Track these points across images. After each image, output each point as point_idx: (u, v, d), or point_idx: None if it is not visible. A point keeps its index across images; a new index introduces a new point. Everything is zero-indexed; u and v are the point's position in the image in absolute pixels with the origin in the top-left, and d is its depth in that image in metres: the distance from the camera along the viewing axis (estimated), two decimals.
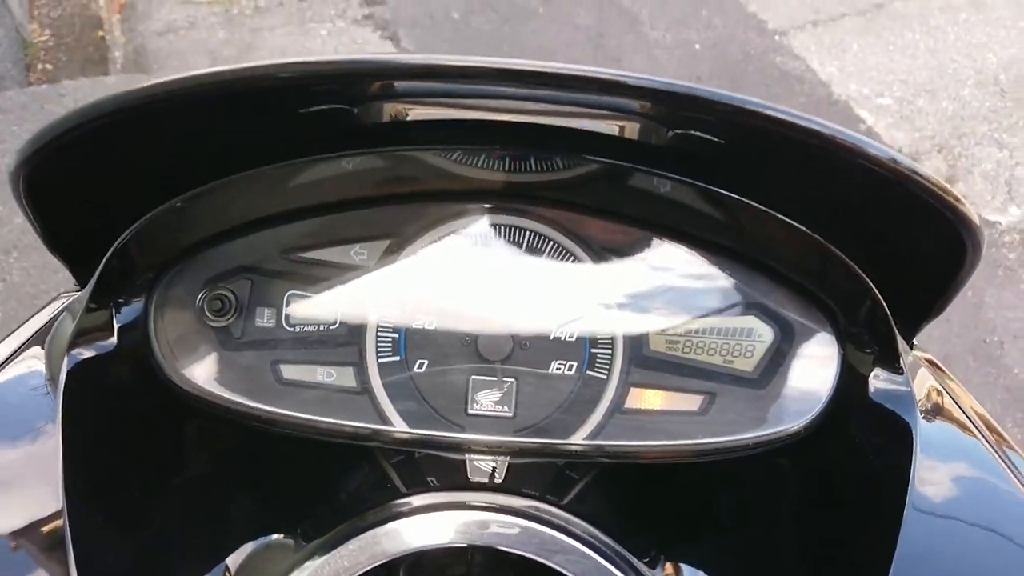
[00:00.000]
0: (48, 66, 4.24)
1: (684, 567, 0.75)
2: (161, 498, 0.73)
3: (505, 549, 0.65)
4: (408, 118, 0.69)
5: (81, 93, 3.71)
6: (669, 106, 0.60)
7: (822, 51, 4.13)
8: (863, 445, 0.74)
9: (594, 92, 0.59)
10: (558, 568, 0.64)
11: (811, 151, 0.60)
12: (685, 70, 4.01)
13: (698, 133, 0.68)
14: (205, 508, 0.77)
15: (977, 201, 3.46)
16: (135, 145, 0.67)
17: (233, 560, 0.74)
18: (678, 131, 0.68)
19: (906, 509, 0.63)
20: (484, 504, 0.67)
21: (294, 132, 0.71)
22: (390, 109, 0.71)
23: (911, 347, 0.82)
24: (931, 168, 3.61)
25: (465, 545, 0.65)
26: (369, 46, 4.01)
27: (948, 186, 0.61)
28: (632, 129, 0.70)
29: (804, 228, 0.72)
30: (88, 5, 4.56)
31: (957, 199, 0.62)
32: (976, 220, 0.64)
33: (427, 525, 0.66)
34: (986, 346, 3.04)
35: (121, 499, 0.71)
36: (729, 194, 0.71)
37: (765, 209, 0.73)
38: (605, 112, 0.67)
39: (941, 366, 0.87)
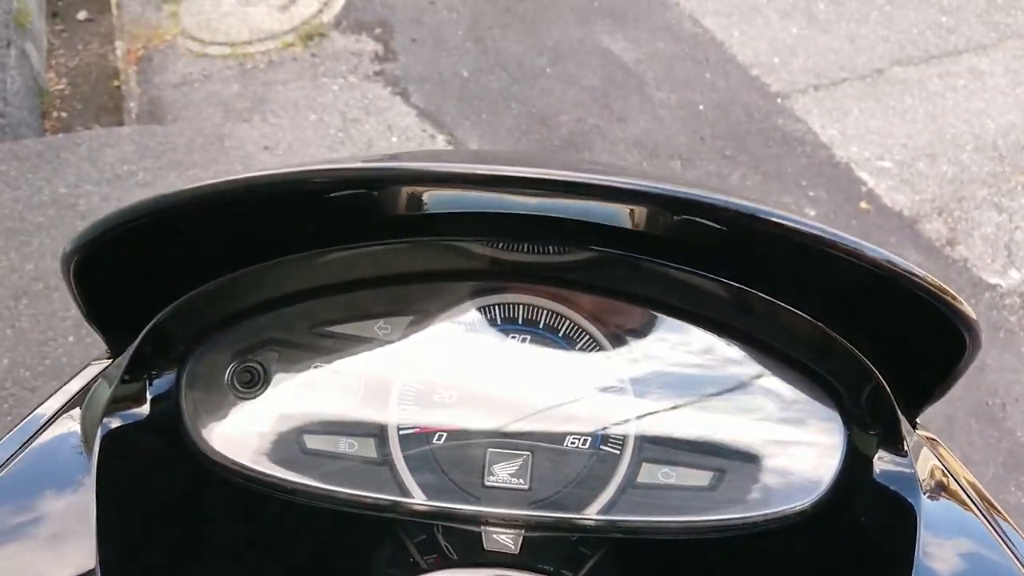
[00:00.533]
0: (63, 114, 4.33)
1: None
2: (190, 566, 0.75)
3: None
4: (430, 211, 0.74)
5: (96, 142, 3.78)
6: (675, 208, 0.64)
7: (823, 114, 4.22)
8: (868, 525, 0.77)
9: (607, 197, 0.63)
10: None
11: (813, 251, 0.64)
12: (689, 130, 4.09)
13: (702, 231, 0.72)
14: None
15: (977, 264, 3.51)
16: (175, 237, 0.71)
17: None
18: (682, 230, 0.72)
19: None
20: None
21: (322, 224, 0.75)
22: (413, 206, 0.75)
23: (914, 427, 0.85)
24: (931, 231, 3.67)
25: None
26: (380, 102, 4.10)
27: (945, 286, 0.65)
28: (639, 225, 0.74)
29: (808, 317, 0.76)
30: (105, 56, 4.67)
31: (954, 297, 0.65)
32: (974, 316, 0.67)
33: None
34: (988, 408, 3.05)
35: (151, 564, 0.73)
36: (733, 284, 0.75)
37: (768, 298, 0.77)
38: (615, 208, 0.71)
39: (939, 441, 0.89)
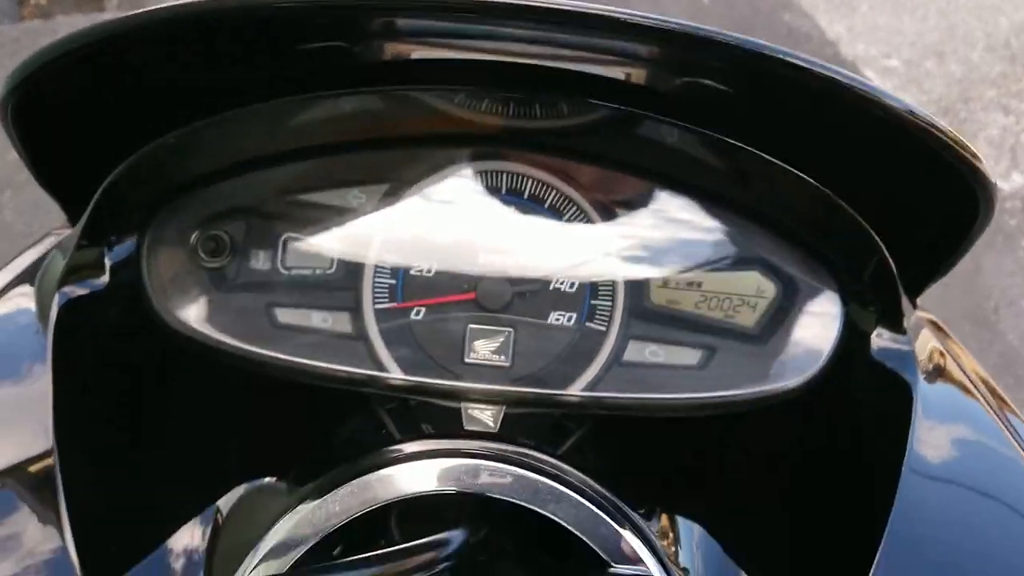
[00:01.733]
0: (42, 1, 4.16)
1: (679, 519, 0.75)
2: (152, 439, 0.73)
3: (496, 496, 0.64)
4: (410, 57, 0.67)
5: (75, 29, 3.64)
6: (682, 48, 0.58)
7: (831, 10, 4.07)
8: (863, 403, 0.74)
9: (606, 31, 0.57)
10: (550, 516, 0.64)
11: (825, 100, 0.58)
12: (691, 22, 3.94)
13: (707, 81, 0.66)
14: (196, 450, 0.77)
15: None
16: (127, 77, 0.65)
17: (224, 502, 0.74)
18: (686, 78, 0.66)
19: (903, 471, 0.62)
20: (477, 451, 0.67)
21: (291, 69, 0.69)
22: (391, 48, 0.68)
23: (914, 307, 0.81)
24: None
25: (455, 492, 0.65)
26: None
27: (966, 141, 0.60)
28: (639, 75, 0.68)
29: (812, 180, 0.71)
30: None
31: (975, 155, 0.60)
32: (992, 178, 0.62)
33: (419, 472, 0.65)
34: (982, 311, 3.04)
35: (112, 440, 0.70)
36: (736, 143, 0.69)
37: (772, 160, 0.72)
38: (612, 56, 0.65)
39: (944, 328, 0.86)
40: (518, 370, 0.80)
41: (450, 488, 0.64)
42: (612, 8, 0.54)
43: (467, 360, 0.80)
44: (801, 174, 0.72)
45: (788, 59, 0.56)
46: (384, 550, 0.58)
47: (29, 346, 0.67)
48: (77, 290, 0.70)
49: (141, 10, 0.57)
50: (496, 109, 0.77)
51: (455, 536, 0.61)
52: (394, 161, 0.79)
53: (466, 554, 0.60)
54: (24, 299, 0.74)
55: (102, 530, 0.61)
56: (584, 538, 0.63)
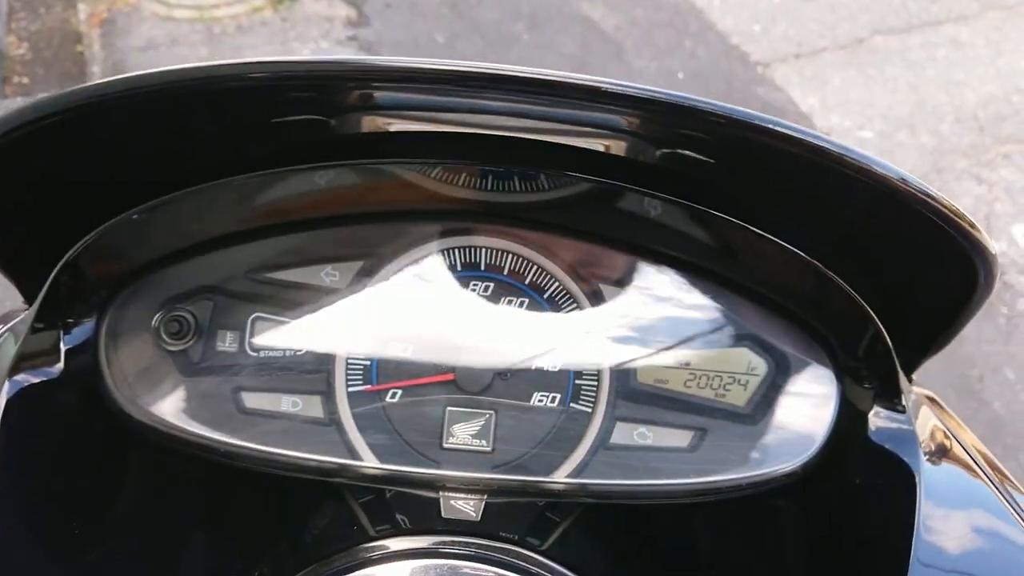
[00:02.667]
0: (25, 79, 4.17)
1: None
2: (105, 536, 0.67)
3: None
4: (384, 130, 0.65)
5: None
6: (668, 118, 0.56)
7: (804, 83, 4.15)
8: (864, 488, 0.70)
9: (587, 100, 0.55)
10: None
11: (813, 169, 0.56)
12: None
13: (690, 151, 0.64)
14: (154, 547, 0.71)
15: None
16: (92, 148, 0.62)
17: None
18: (669, 148, 0.64)
19: (912, 563, 0.58)
20: (457, 552, 0.62)
21: (263, 142, 0.66)
22: (367, 121, 0.66)
23: (911, 383, 0.78)
24: None
25: None
26: None
27: (962, 210, 0.57)
28: (620, 146, 0.66)
29: (802, 253, 0.68)
30: (68, 20, 4.50)
31: (972, 224, 0.58)
32: (991, 247, 0.60)
33: (397, 574, 0.60)
34: (966, 380, 3.02)
35: (60, 537, 0.65)
36: (723, 216, 0.67)
37: (760, 232, 0.69)
38: (592, 128, 0.62)
39: (941, 403, 0.83)
40: (500, 456, 0.76)
41: None
42: (591, 77, 0.52)
43: (446, 445, 0.76)
44: (789, 247, 0.69)
45: (775, 128, 0.53)
46: None
47: None
48: (30, 378, 0.65)
49: (113, 78, 0.54)
50: (474, 183, 0.74)
51: None
52: (369, 237, 0.76)
53: None
54: None
55: None
56: None
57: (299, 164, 0.67)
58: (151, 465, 0.74)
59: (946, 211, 0.56)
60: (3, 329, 0.77)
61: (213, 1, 4.34)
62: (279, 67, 0.55)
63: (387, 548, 0.62)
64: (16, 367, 0.65)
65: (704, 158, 0.62)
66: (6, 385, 0.64)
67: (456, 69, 0.51)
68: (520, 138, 0.65)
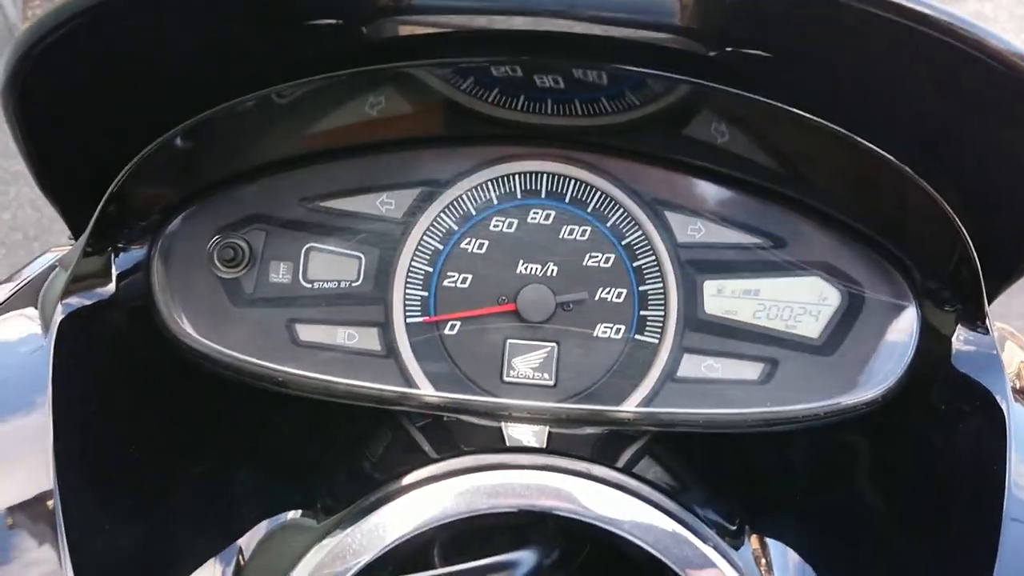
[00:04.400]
0: None
1: (770, 541, 0.66)
2: (163, 471, 0.65)
3: (565, 515, 0.56)
4: (429, 30, 0.61)
5: None
6: None
7: None
8: (949, 416, 0.66)
9: None
10: (628, 536, 0.55)
11: (911, 47, 0.51)
12: None
13: (767, 38, 0.58)
14: (211, 482, 0.69)
15: None
16: (130, 54, 0.59)
17: (246, 542, 0.66)
18: (742, 35, 0.59)
19: (1004, 521, 0.54)
20: (534, 464, 0.59)
21: (302, 51, 0.63)
22: (407, 26, 0.62)
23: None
24: None
25: (516, 511, 0.56)
26: None
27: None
28: (684, 40, 0.61)
29: (890, 157, 0.63)
30: None
31: None
32: None
33: (464, 488, 0.57)
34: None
35: (118, 475, 0.63)
36: (800, 113, 0.62)
37: (842, 132, 0.63)
38: (645, 25, 0.58)
39: (1019, 335, 0.79)
40: (563, 389, 0.73)
41: (510, 506, 0.56)
42: None
43: (507, 379, 0.73)
44: (870, 145, 0.64)
45: None
46: (450, 568, 0.50)
47: (29, 368, 0.60)
48: (81, 300, 0.63)
49: None
50: (533, 106, 0.71)
51: (525, 557, 0.53)
52: (426, 163, 0.74)
53: None
54: (23, 318, 0.67)
55: None
56: (668, 561, 0.55)
57: (334, 70, 0.64)
58: (202, 395, 0.72)
59: None
60: (49, 262, 0.75)
61: None
62: None
63: (452, 467, 0.59)
64: (68, 290, 0.63)
65: (772, 46, 0.57)
66: (59, 307, 0.62)
67: None
68: (574, 33, 0.61)
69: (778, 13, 0.54)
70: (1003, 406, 0.61)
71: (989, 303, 0.74)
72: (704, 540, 0.55)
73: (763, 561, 0.65)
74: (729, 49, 0.60)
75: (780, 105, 0.61)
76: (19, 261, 2.96)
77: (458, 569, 0.50)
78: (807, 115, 0.62)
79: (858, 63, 0.58)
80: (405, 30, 0.61)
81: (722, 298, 0.74)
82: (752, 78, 0.61)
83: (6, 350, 0.65)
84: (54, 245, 0.82)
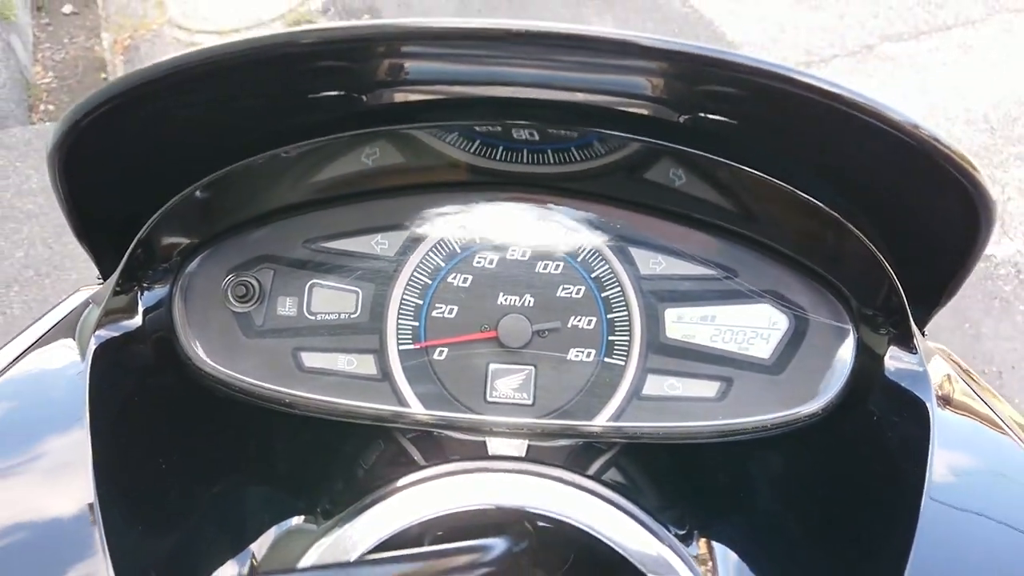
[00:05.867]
0: (51, 107, 4.29)
1: (716, 545, 0.74)
2: (185, 484, 0.73)
3: (535, 512, 0.64)
4: (424, 96, 0.71)
5: None
6: (694, 68, 0.61)
7: None
8: (881, 424, 0.75)
9: (620, 55, 0.61)
10: (592, 531, 0.64)
11: (829, 118, 0.61)
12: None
13: (717, 106, 0.68)
14: (226, 494, 0.77)
15: None
16: (159, 125, 0.68)
17: (258, 546, 0.74)
18: (697, 105, 0.69)
19: (924, 500, 0.62)
20: (512, 468, 0.67)
21: (308, 116, 0.72)
22: (402, 87, 0.71)
23: (924, 336, 0.83)
24: None
25: (494, 508, 0.65)
26: None
27: (966, 154, 0.63)
28: (650, 104, 0.71)
29: (821, 204, 0.73)
30: (91, 48, 4.63)
31: (974, 167, 0.63)
32: (990, 189, 0.65)
33: (455, 487, 0.66)
34: (987, 376, 3.05)
35: (147, 487, 0.71)
36: (746, 169, 0.72)
37: (781, 185, 0.73)
38: (624, 88, 0.68)
39: (956, 357, 0.88)
40: (541, 407, 0.81)
41: (489, 503, 0.65)
42: (625, 31, 0.58)
43: (489, 399, 0.81)
44: (810, 198, 0.74)
45: (800, 78, 0.59)
46: (425, 548, 0.58)
47: (70, 390, 0.68)
48: (112, 332, 0.72)
49: (167, 57, 0.61)
50: (511, 157, 0.81)
51: (496, 544, 0.61)
52: (416, 207, 0.83)
53: (506, 563, 0.60)
54: (60, 347, 0.75)
55: None
56: (626, 555, 0.63)
57: (339, 132, 0.73)
58: (218, 412, 0.80)
59: (952, 154, 0.62)
60: (80, 300, 0.84)
61: (233, 25, 4.45)
62: (324, 32, 0.60)
63: (442, 471, 0.67)
64: (100, 323, 0.72)
65: (729, 115, 0.67)
66: (93, 339, 0.70)
67: (487, 26, 0.57)
68: (552, 100, 0.71)
69: (727, 93, 0.64)
70: (928, 412, 0.69)
71: (924, 327, 0.82)
72: (660, 539, 0.63)
73: (709, 563, 0.73)
74: (688, 117, 0.69)
75: (730, 163, 0.71)
76: (32, 298, 3.06)
77: (435, 549, 0.58)
78: (754, 171, 0.71)
79: (793, 130, 0.67)
80: (400, 97, 0.71)
81: (682, 324, 0.83)
82: (707, 139, 0.71)
83: (51, 375, 0.73)
84: (83, 284, 0.91)
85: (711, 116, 0.69)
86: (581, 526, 0.64)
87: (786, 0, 4.76)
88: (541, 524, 0.65)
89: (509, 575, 0.60)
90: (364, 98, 0.70)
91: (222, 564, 0.71)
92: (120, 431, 0.68)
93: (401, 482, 0.67)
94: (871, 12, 4.66)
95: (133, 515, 0.66)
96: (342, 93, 0.69)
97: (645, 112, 0.70)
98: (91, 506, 0.57)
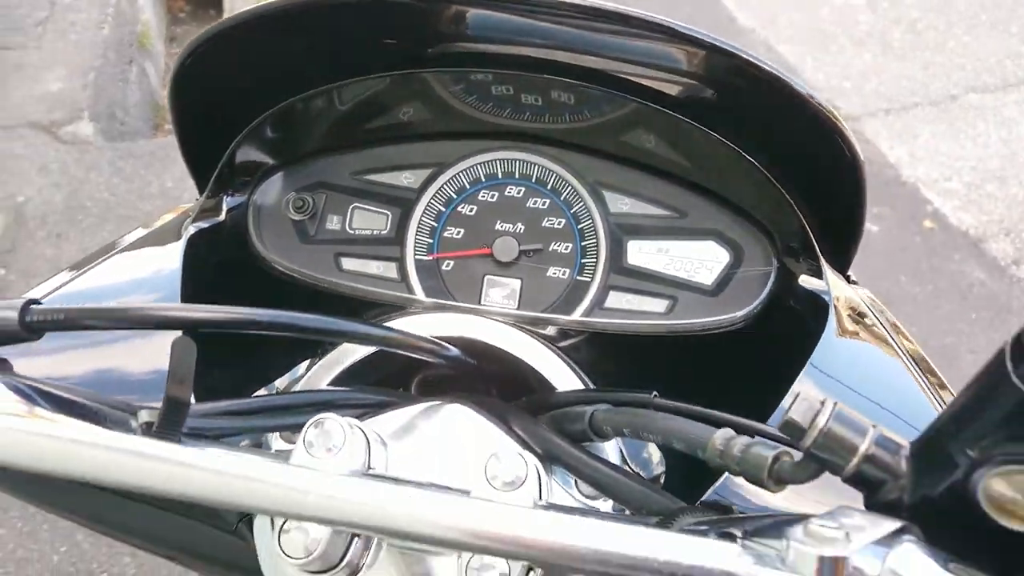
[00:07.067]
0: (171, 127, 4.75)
1: None
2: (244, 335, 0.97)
3: (497, 345, 0.85)
4: (470, 48, 0.93)
5: None
6: (694, 51, 0.82)
7: (892, 136, 4.28)
8: (790, 330, 0.93)
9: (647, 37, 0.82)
10: (537, 369, 0.84)
11: (767, 95, 0.82)
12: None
13: (703, 83, 0.89)
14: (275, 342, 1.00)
15: None
16: (253, 57, 0.93)
17: (281, 381, 0.97)
18: (691, 80, 0.90)
19: (807, 366, 0.80)
20: (502, 319, 0.90)
21: (372, 57, 0.96)
22: (450, 43, 0.94)
23: (848, 281, 1.01)
24: (997, 250, 3.68)
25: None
26: None
27: (832, 111, 0.82)
28: (657, 78, 0.91)
29: (757, 164, 0.93)
30: None
31: (837, 118, 0.82)
32: (852, 137, 0.83)
33: (432, 320, 0.88)
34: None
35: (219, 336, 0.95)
36: (712, 133, 0.92)
37: (730, 145, 0.93)
38: (635, 64, 0.89)
39: (882, 305, 1.04)
40: (523, 311, 1.03)
41: (471, 332, 0.87)
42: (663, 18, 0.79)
43: (482, 303, 1.03)
44: (751, 160, 0.94)
45: (761, 65, 0.79)
46: (399, 333, 0.79)
47: (169, 265, 0.93)
48: (202, 224, 0.98)
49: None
50: (516, 115, 1.04)
51: (454, 352, 0.82)
52: (437, 152, 1.07)
53: (455, 367, 0.81)
54: (163, 234, 1.01)
55: None
56: (538, 369, 0.83)
57: (391, 71, 0.97)
58: (274, 291, 1.04)
59: (823, 109, 0.81)
60: (184, 209, 1.11)
61: None
62: None
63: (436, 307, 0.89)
64: (195, 219, 0.98)
65: (710, 88, 0.88)
66: (189, 228, 0.96)
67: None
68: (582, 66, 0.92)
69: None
70: (828, 314, 0.87)
71: (846, 268, 1.00)
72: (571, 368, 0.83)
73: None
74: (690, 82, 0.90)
75: (703, 128, 0.92)
76: None
77: (405, 336, 0.79)
78: (711, 132, 0.92)
79: (743, 102, 0.89)
80: (459, 48, 0.94)
81: (641, 253, 1.03)
82: (692, 108, 0.92)
83: (156, 252, 0.99)
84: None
85: (700, 84, 0.90)
86: (518, 355, 0.84)
87: (872, 49, 4.86)
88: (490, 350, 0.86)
89: (453, 382, 0.81)
90: (419, 46, 0.93)
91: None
92: (200, 295, 0.93)
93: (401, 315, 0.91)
94: (958, 64, 4.71)
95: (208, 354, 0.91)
96: (411, 35, 0.92)
97: (649, 83, 0.91)
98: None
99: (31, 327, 0.61)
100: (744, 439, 0.57)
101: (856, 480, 0.50)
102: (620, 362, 1.05)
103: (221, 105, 0.98)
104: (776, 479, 0.53)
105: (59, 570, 2.68)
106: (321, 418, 0.64)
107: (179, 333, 0.61)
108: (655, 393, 0.72)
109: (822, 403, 0.51)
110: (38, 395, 0.57)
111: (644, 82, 0.92)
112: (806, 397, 0.51)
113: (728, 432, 0.58)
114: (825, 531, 0.44)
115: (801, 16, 5.14)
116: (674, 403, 0.70)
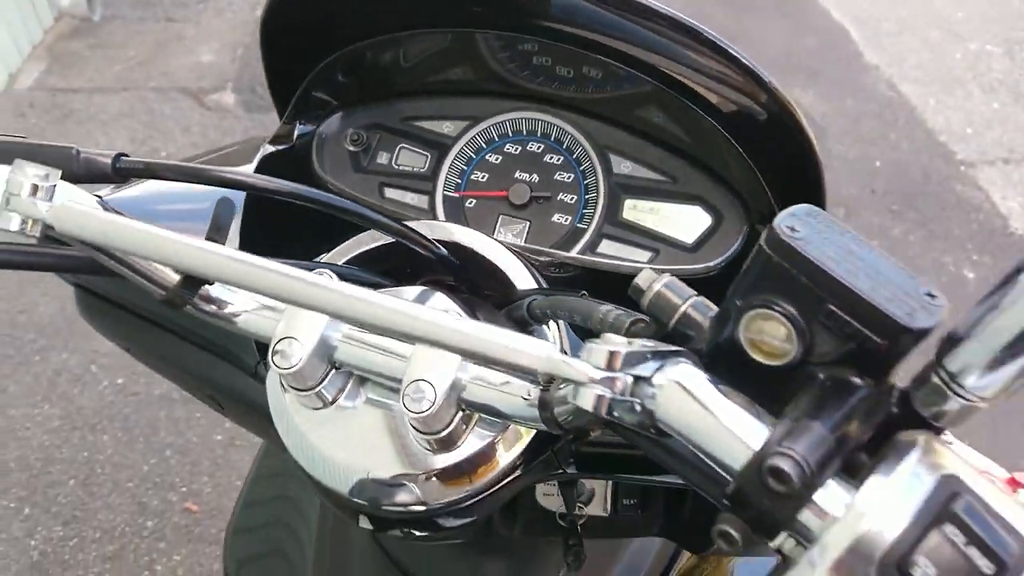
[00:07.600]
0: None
1: None
2: (294, 236, 1.18)
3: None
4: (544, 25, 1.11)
5: None
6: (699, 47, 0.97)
7: (1007, 186, 4.18)
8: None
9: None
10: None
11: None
12: (860, 183, 4.21)
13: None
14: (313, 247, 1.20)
15: None
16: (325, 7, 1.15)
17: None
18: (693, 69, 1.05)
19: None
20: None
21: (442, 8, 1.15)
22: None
23: None
24: None
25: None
26: None
27: (787, 99, 0.94)
28: (671, 65, 1.04)
29: (732, 140, 1.07)
30: None
31: (788, 102, 0.94)
32: (795, 111, 0.95)
33: (436, 226, 1.04)
34: None
35: (270, 232, 1.17)
36: (704, 115, 1.06)
37: (716, 126, 1.08)
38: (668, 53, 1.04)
39: None
40: (529, 245, 1.20)
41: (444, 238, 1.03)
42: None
43: (494, 237, 1.21)
44: (728, 136, 1.08)
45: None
46: (404, 226, 0.96)
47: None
48: (274, 147, 1.20)
49: None
50: (546, 83, 1.21)
51: (442, 251, 0.98)
52: (474, 106, 1.25)
53: (445, 267, 0.97)
54: (237, 155, 1.24)
55: None
56: (510, 276, 0.99)
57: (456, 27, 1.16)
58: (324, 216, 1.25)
59: (780, 97, 0.94)
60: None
61: None
62: None
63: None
64: (271, 140, 1.20)
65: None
66: (262, 148, 1.18)
67: None
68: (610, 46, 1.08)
69: None
70: None
71: None
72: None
73: None
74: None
75: (696, 109, 1.06)
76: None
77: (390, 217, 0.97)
78: (709, 119, 1.07)
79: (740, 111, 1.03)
80: (539, 23, 1.11)
81: (635, 211, 1.18)
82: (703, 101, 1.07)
83: (232, 166, 1.22)
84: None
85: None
86: (495, 262, 1.00)
87: (1003, 98, 4.74)
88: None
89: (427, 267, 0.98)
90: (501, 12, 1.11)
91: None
92: (265, 205, 1.15)
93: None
94: None
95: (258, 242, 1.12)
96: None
97: (678, 76, 1.05)
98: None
99: (120, 172, 0.83)
100: (619, 311, 0.72)
101: (674, 336, 0.65)
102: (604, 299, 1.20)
103: (303, 41, 1.19)
104: (631, 335, 0.69)
105: (147, 478, 3.02)
106: (328, 275, 0.82)
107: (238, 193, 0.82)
108: (584, 293, 0.87)
109: (659, 274, 0.66)
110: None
111: (674, 75, 1.07)
112: (651, 271, 0.67)
113: (610, 306, 0.74)
114: (616, 339, 0.60)
115: (931, 57, 5.07)
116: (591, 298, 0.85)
